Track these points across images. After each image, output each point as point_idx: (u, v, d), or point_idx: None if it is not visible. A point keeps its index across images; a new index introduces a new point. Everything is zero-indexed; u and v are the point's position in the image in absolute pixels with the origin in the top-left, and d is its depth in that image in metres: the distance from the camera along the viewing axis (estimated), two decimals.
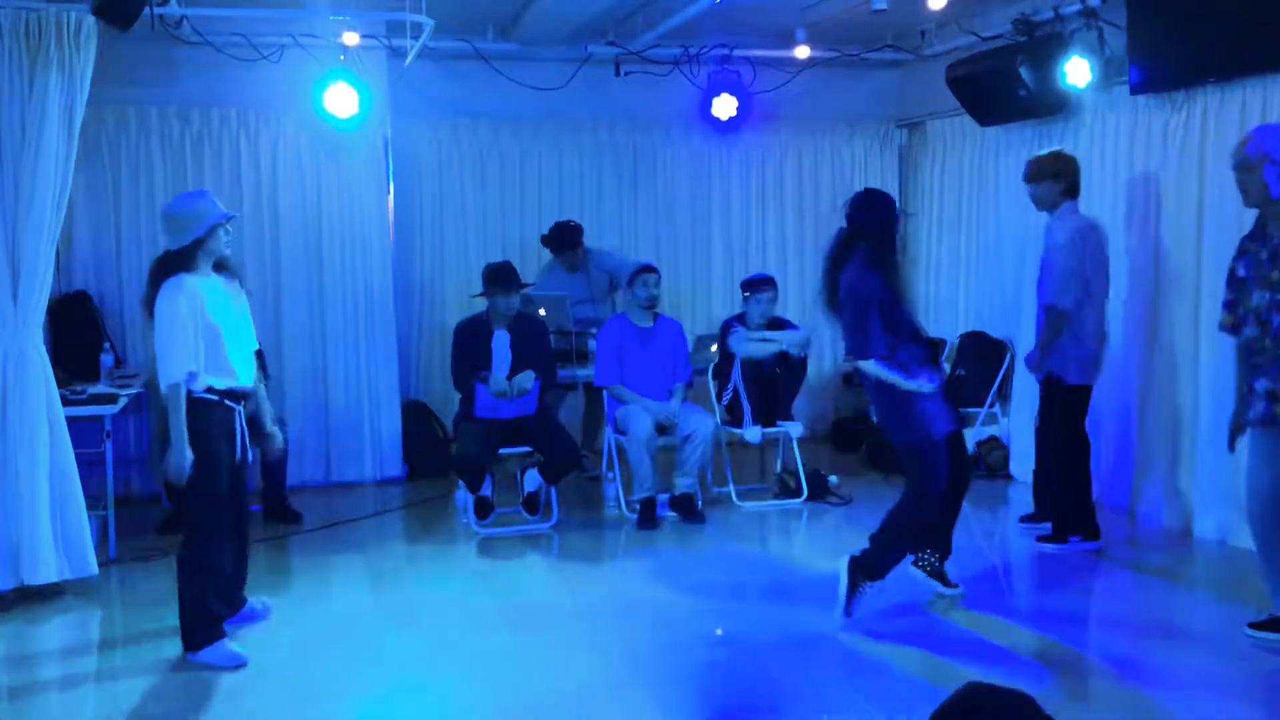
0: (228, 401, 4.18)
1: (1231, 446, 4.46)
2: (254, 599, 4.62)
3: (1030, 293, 7.01)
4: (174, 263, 4.13)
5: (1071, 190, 5.47)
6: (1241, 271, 4.34)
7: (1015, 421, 7.22)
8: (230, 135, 7.06)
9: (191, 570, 4.23)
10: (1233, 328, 4.37)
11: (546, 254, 7.50)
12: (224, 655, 4.21)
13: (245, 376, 4.27)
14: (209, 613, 4.25)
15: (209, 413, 4.12)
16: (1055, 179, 5.46)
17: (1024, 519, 6.00)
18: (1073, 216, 5.45)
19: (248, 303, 4.43)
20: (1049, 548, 5.55)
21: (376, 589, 5.21)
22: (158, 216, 4.39)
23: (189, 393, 4.06)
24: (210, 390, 4.11)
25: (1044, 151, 5.73)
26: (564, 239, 7.33)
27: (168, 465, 4.05)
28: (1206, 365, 5.69)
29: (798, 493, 6.69)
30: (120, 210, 6.93)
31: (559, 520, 6.19)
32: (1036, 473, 5.96)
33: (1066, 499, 5.55)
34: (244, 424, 4.29)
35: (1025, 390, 7.12)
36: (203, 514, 4.21)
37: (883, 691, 3.91)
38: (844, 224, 4.63)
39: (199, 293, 4.10)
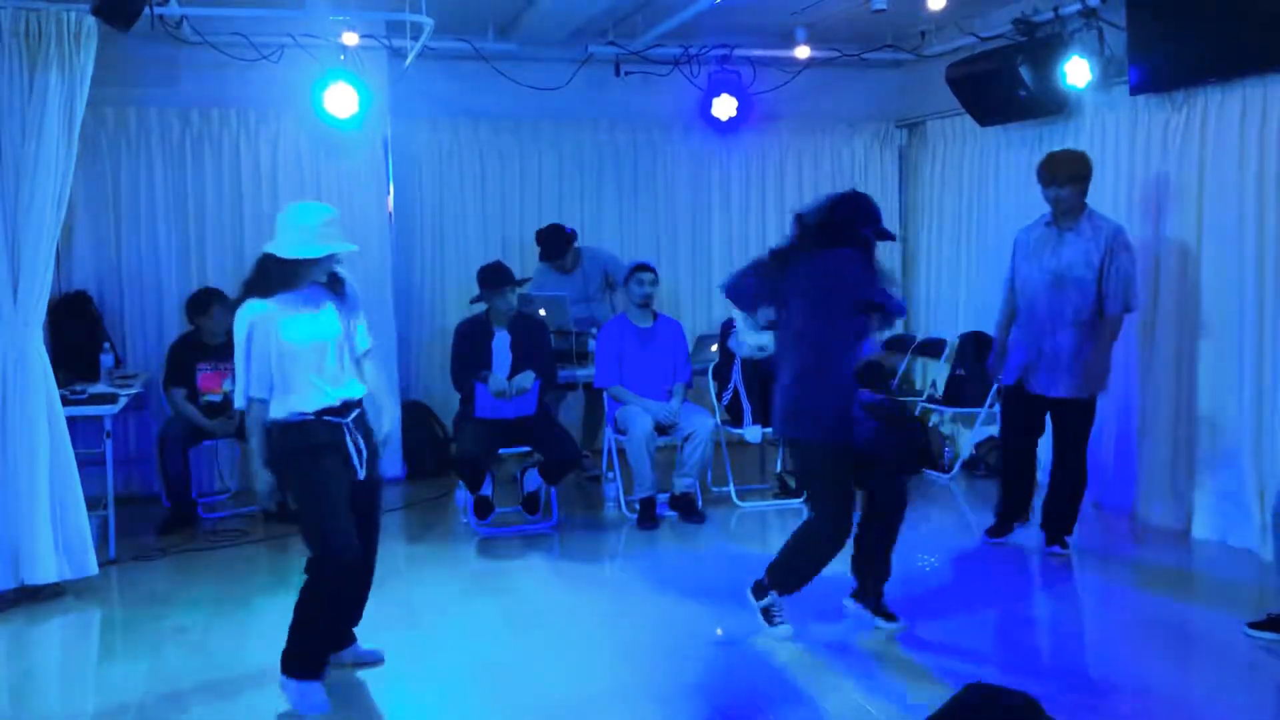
0: (328, 418, 3.87)
1: None
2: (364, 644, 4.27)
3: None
4: (270, 275, 3.82)
5: (1086, 191, 5.32)
6: None
7: None
8: (230, 135, 7.05)
9: (312, 599, 3.84)
10: None
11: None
12: (312, 701, 3.84)
13: (343, 389, 3.93)
14: (312, 648, 3.90)
15: (306, 433, 3.83)
16: (1082, 180, 5.27)
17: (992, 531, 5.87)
18: (1106, 217, 5.37)
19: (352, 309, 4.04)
20: (1058, 549, 5.52)
21: (376, 589, 5.19)
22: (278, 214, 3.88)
23: (280, 420, 3.82)
24: (300, 413, 3.84)
25: (1056, 152, 5.47)
26: (551, 245, 7.31)
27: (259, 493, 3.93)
28: (1206, 366, 5.70)
29: (798, 493, 6.68)
30: (120, 210, 6.92)
31: (559, 520, 6.19)
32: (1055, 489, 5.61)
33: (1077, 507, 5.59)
34: (358, 439, 3.94)
35: None
36: (319, 537, 3.81)
37: (882, 691, 3.91)
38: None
39: (268, 318, 3.81)
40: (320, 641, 3.93)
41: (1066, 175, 5.24)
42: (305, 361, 3.84)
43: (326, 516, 3.80)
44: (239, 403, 3.90)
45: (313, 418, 3.85)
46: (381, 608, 4.94)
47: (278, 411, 3.84)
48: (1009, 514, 5.78)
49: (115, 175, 6.91)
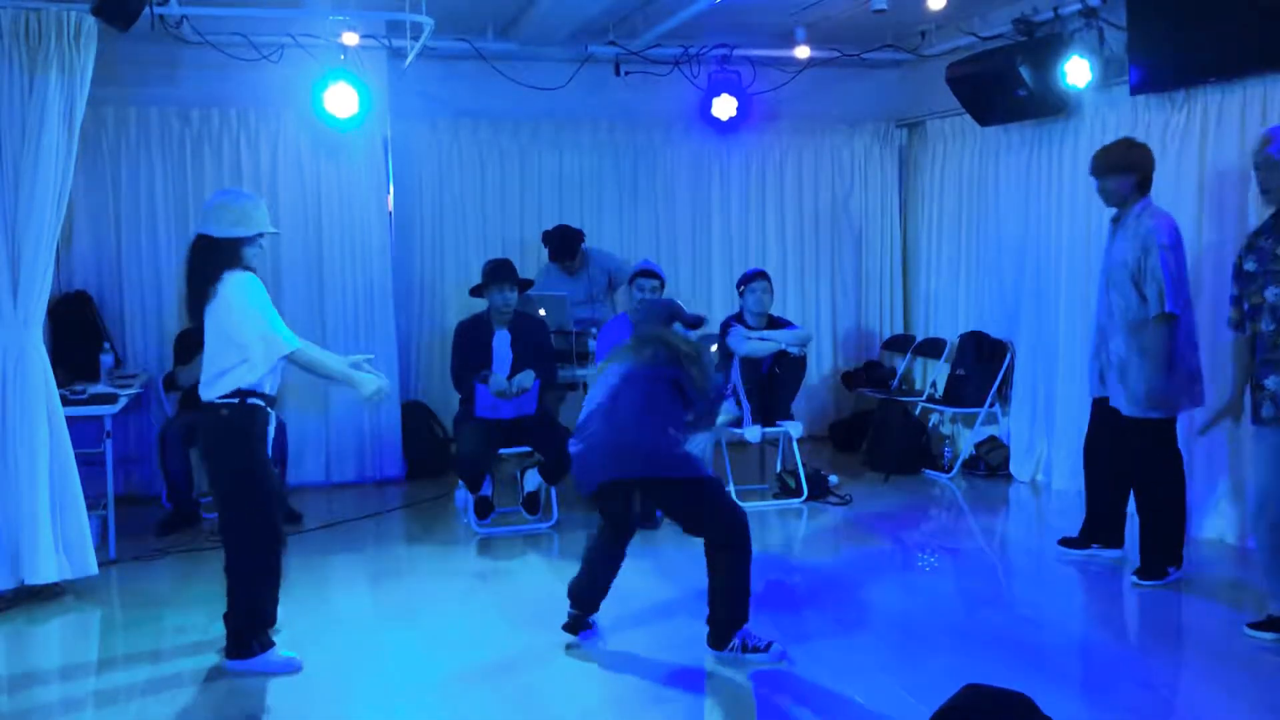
0: (268, 407, 4.12)
1: (1202, 431, 4.60)
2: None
3: (1034, 294, 7.03)
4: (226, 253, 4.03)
5: (1144, 185, 4.95)
6: (1250, 266, 4.28)
7: (1015, 422, 7.22)
8: (230, 135, 7.06)
9: (249, 575, 4.15)
10: (1238, 323, 4.34)
11: (546, 255, 7.49)
12: (278, 662, 4.17)
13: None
14: (264, 619, 4.22)
15: (254, 416, 4.05)
16: (1127, 173, 4.93)
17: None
18: (1164, 213, 4.96)
19: None
20: (1138, 579, 5.03)
21: (376, 589, 5.21)
22: (203, 206, 4.19)
23: (244, 397, 3.99)
24: (261, 395, 4.06)
25: (1111, 142, 5.25)
26: (564, 246, 7.32)
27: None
28: (1205, 365, 5.68)
29: (798, 493, 6.69)
30: (120, 210, 6.92)
31: (559, 520, 6.19)
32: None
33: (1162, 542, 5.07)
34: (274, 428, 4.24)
35: (1026, 390, 7.13)
36: (257, 516, 4.12)
37: (883, 691, 3.91)
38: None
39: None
40: (265, 615, 4.25)
41: (1104, 165, 4.99)
42: None
43: (268, 501, 4.15)
44: (283, 351, 3.99)
45: (262, 404, 4.07)
46: (381, 607, 4.96)
47: (229, 386, 4.00)
48: (1088, 529, 5.41)
49: (115, 175, 6.92)
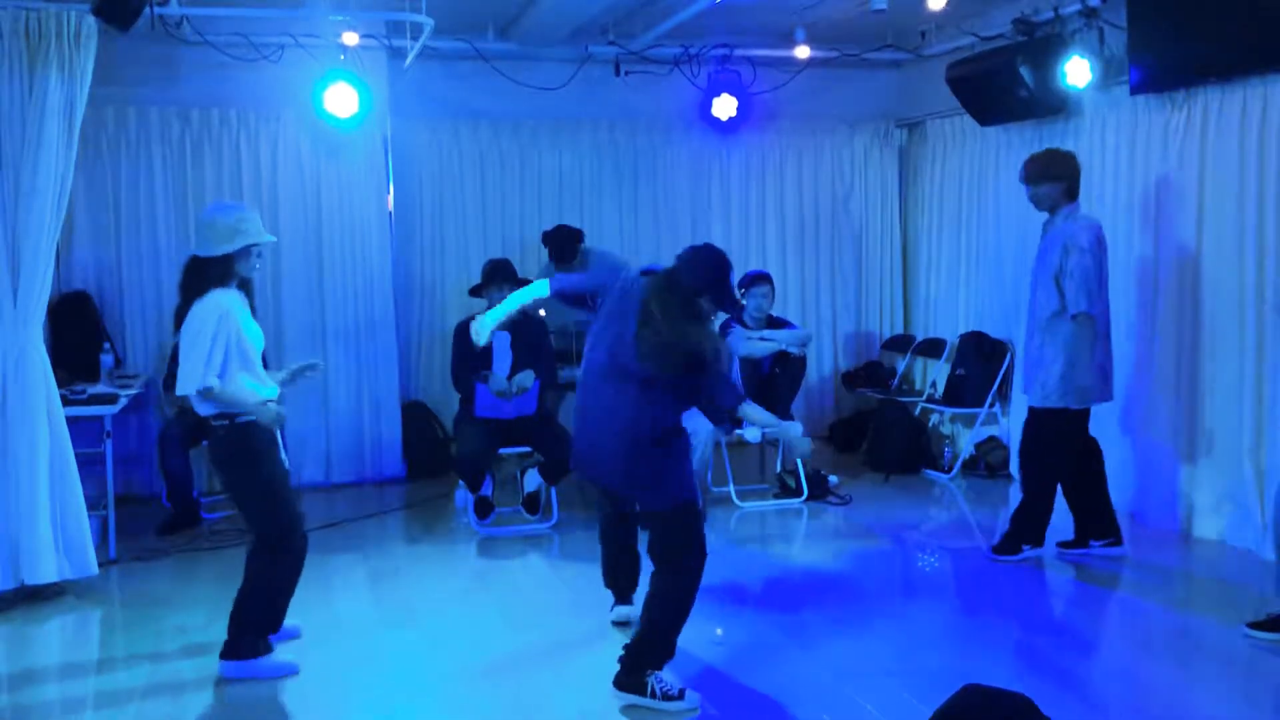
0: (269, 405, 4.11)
1: None
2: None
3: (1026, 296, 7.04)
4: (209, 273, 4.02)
5: (1072, 191, 5.20)
6: None
7: (1015, 422, 7.22)
8: (230, 135, 7.05)
9: (262, 581, 4.14)
10: None
11: (546, 255, 7.48)
12: (272, 666, 4.17)
13: (274, 388, 4.20)
14: (265, 625, 4.21)
15: (258, 425, 4.04)
16: (1055, 180, 5.17)
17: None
18: (1086, 218, 5.21)
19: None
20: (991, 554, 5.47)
21: (376, 589, 5.21)
22: (195, 221, 4.23)
23: (235, 417, 4.01)
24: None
25: (1040, 150, 5.48)
26: (564, 246, 7.30)
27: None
28: (1206, 366, 5.69)
29: (798, 493, 6.69)
30: (120, 210, 6.92)
31: (559, 520, 6.19)
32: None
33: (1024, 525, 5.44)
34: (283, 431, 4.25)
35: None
36: (276, 523, 4.10)
37: (883, 691, 3.91)
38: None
39: (233, 308, 4.02)
40: (268, 620, 4.24)
41: (1035, 173, 5.22)
42: (256, 354, 4.08)
43: (285, 507, 4.12)
44: (192, 388, 3.92)
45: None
46: (382, 607, 4.96)
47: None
48: (1081, 529, 5.51)
49: (115, 175, 6.91)
